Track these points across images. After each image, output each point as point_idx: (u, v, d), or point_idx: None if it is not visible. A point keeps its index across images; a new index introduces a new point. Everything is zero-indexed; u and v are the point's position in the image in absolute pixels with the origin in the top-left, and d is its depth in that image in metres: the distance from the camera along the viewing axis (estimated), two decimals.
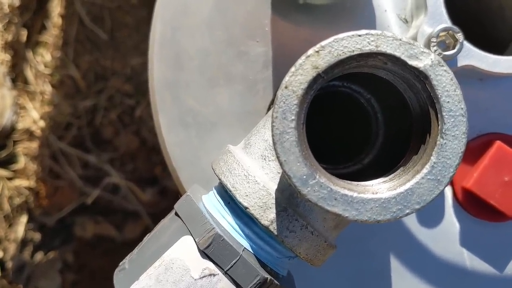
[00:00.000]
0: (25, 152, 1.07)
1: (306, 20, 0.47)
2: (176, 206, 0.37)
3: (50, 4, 1.08)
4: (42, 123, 1.06)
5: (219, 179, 0.37)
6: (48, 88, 1.07)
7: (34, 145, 1.07)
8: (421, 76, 0.30)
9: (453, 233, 0.48)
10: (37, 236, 1.06)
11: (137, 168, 1.07)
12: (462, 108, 0.30)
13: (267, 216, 0.34)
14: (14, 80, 1.08)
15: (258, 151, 0.36)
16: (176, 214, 0.37)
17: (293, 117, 0.30)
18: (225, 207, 0.36)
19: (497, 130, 0.48)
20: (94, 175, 1.06)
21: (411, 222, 0.48)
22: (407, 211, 0.30)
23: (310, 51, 0.30)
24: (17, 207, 1.06)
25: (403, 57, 0.30)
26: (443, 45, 0.42)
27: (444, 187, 0.30)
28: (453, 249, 0.48)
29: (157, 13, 0.49)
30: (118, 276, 0.37)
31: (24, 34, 1.08)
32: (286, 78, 0.30)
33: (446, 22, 0.43)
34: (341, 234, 0.45)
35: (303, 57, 0.30)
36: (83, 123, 1.06)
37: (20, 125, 1.07)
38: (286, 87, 0.30)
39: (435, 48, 0.41)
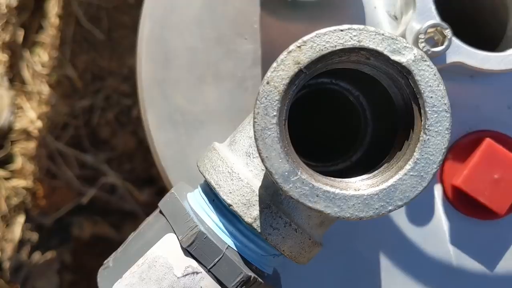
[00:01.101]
0: (22, 152, 1.07)
1: (295, 17, 0.47)
2: (160, 203, 0.37)
3: (47, 5, 1.08)
4: (39, 123, 1.06)
5: (204, 176, 0.36)
6: (45, 88, 1.07)
7: (31, 145, 1.07)
8: (404, 71, 0.30)
9: (443, 232, 0.48)
10: (34, 237, 1.06)
11: (134, 168, 1.06)
12: (445, 104, 0.29)
13: (251, 213, 0.34)
14: (11, 80, 1.08)
15: (243, 148, 0.36)
16: (161, 212, 0.37)
17: (274, 113, 0.30)
18: (209, 204, 0.36)
19: (488, 127, 0.48)
20: (92, 175, 1.06)
21: (401, 220, 0.48)
22: (390, 208, 0.30)
23: (292, 47, 0.30)
24: (15, 207, 1.06)
25: (385, 52, 0.29)
26: (432, 42, 0.42)
27: (427, 184, 0.30)
28: (443, 248, 0.48)
29: (146, 11, 0.49)
30: (102, 274, 0.36)
31: (21, 34, 1.08)
32: (268, 73, 0.30)
33: (435, 18, 0.42)
34: (329, 233, 0.44)
35: (284, 53, 0.30)
36: (80, 123, 1.06)
37: (17, 125, 1.07)
38: (267, 83, 0.30)
39: (423, 44, 0.41)
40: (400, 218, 0.48)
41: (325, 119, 0.48)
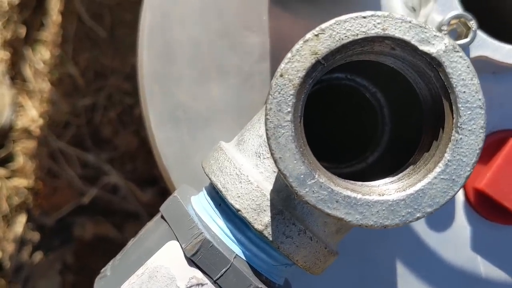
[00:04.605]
0: (23, 151, 1.06)
1: (306, 9, 0.44)
2: (162, 208, 0.34)
3: (49, 2, 1.07)
4: (40, 122, 1.05)
5: (209, 179, 0.33)
6: (47, 87, 1.06)
7: (32, 144, 1.06)
8: (433, 63, 0.27)
9: (464, 237, 0.45)
10: (36, 236, 1.05)
11: (136, 168, 1.05)
12: (479, 99, 0.26)
13: (261, 219, 0.31)
14: (13, 79, 1.07)
15: (252, 148, 0.33)
16: (162, 217, 0.34)
17: (289, 109, 0.27)
18: (215, 209, 0.33)
19: None
20: (94, 175, 1.05)
21: (420, 226, 0.45)
22: (418, 215, 0.27)
23: (309, 35, 0.27)
24: (16, 207, 1.05)
25: (413, 42, 0.26)
26: (455, 34, 0.39)
27: (459, 188, 0.27)
28: (465, 254, 0.45)
29: (147, 1, 0.47)
30: (99, 284, 0.34)
31: (23, 32, 1.07)
32: (282, 65, 0.27)
33: (457, 9, 0.40)
34: (344, 238, 0.42)
35: (300, 42, 0.27)
36: (82, 122, 1.05)
37: (19, 124, 1.06)
38: (281, 75, 0.27)
39: None
40: (418, 223, 0.45)
41: (338, 118, 0.45)
